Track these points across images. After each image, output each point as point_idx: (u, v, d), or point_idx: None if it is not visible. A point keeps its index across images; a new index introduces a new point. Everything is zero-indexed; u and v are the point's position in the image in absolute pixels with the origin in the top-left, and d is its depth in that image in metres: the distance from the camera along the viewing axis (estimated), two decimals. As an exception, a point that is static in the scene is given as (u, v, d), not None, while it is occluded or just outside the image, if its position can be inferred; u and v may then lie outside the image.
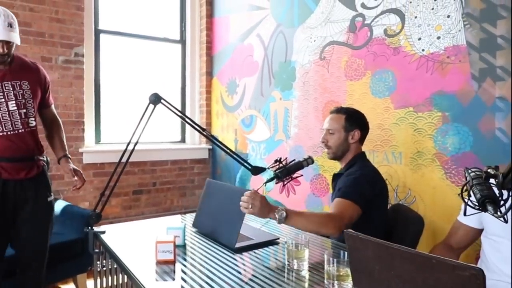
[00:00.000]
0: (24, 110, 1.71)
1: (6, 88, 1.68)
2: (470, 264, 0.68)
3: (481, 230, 1.34)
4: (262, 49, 3.02)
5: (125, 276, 1.26)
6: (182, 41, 3.73)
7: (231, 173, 3.39)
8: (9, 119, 1.66)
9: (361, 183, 1.53)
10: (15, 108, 1.68)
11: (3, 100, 1.65)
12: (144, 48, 3.52)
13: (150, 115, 1.62)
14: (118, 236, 1.56)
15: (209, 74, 3.69)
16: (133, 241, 1.51)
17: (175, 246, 1.26)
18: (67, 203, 2.59)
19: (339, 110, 1.73)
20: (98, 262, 1.53)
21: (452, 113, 1.75)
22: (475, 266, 0.67)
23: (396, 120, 1.99)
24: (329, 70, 2.41)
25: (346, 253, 1.03)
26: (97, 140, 3.20)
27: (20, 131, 1.69)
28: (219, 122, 3.59)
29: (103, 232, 1.52)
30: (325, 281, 1.05)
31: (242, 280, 1.12)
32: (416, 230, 1.58)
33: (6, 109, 1.66)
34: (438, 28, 1.81)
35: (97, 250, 1.48)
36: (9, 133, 1.66)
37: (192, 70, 3.74)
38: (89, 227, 1.51)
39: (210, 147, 3.66)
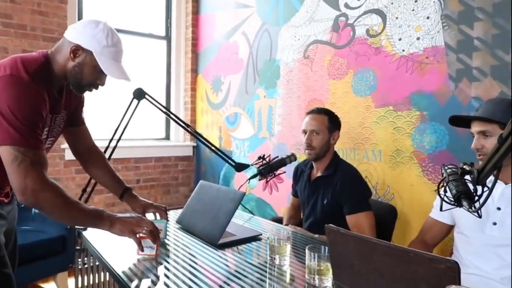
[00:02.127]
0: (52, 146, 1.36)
1: (55, 122, 1.27)
2: (446, 257, 0.71)
3: (453, 226, 1.39)
4: (247, 47, 3.02)
5: (107, 274, 1.26)
6: (168, 37, 3.71)
7: (215, 171, 3.39)
8: None
9: (362, 187, 1.66)
10: (50, 145, 1.33)
11: (45, 136, 1.23)
12: (128, 44, 3.47)
13: (134, 110, 1.62)
14: (100, 233, 1.55)
15: (194, 71, 3.68)
16: (115, 238, 1.50)
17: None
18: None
19: (320, 111, 1.76)
20: (80, 260, 1.52)
21: (430, 112, 1.80)
22: (451, 259, 0.70)
23: (377, 118, 2.03)
24: (312, 69, 2.44)
25: (327, 248, 1.06)
26: (80, 136, 3.15)
27: None
28: (204, 119, 3.59)
29: (85, 229, 1.51)
30: (306, 275, 1.08)
31: (225, 276, 1.13)
32: (390, 218, 1.73)
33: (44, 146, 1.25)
34: (418, 29, 1.85)
35: (78, 248, 1.47)
36: None
37: (177, 67, 3.72)
38: (71, 224, 1.50)
39: (195, 144, 3.65)
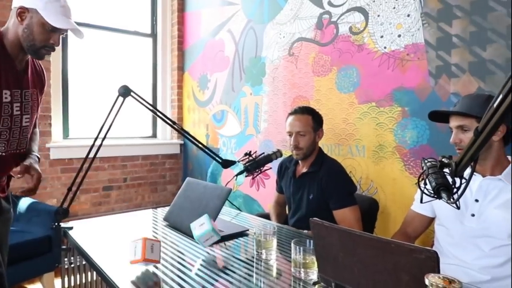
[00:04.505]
0: (31, 125, 1.36)
1: (26, 98, 1.29)
2: (426, 247, 0.74)
3: (433, 218, 1.44)
4: (233, 44, 3.03)
5: (94, 273, 1.26)
6: (153, 35, 3.68)
7: (203, 168, 3.40)
8: (17, 137, 1.29)
9: (347, 182, 1.69)
10: (28, 124, 1.32)
11: (19, 113, 1.26)
12: (114, 41, 3.44)
13: (120, 108, 1.61)
14: (86, 232, 1.55)
15: (181, 69, 3.67)
16: (102, 236, 1.51)
17: (160, 247, 1.18)
18: (33, 200, 2.51)
19: (304, 111, 1.77)
20: (66, 259, 1.52)
21: (411, 108, 1.85)
22: (430, 249, 0.73)
23: (360, 114, 2.07)
24: (297, 66, 2.46)
25: (311, 241, 1.08)
26: (65, 135, 3.11)
27: (22, 150, 1.34)
28: (191, 117, 3.58)
29: (71, 228, 1.50)
30: (292, 269, 1.10)
31: (213, 272, 1.15)
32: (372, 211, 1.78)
33: (19, 125, 1.27)
34: (399, 26, 1.89)
35: (64, 247, 1.47)
36: (8, 152, 1.28)
37: (163, 65, 3.70)
38: (56, 223, 1.48)
39: (182, 142, 3.65)
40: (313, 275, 1.05)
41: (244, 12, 2.92)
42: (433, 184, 0.93)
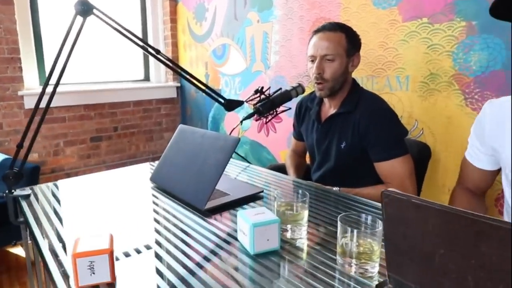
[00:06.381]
0: None
1: None
2: None
3: (499, 170, 1.02)
4: (233, -41, 2.46)
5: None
6: (138, -42, 3.08)
7: (203, 113, 2.99)
8: None
9: (396, 125, 1.25)
10: None
11: None
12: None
13: (80, 30, 1.19)
14: (52, 197, 1.18)
15: (173, -2, 3.11)
16: (69, 204, 1.14)
17: (113, 259, 0.67)
18: (6, 156, 2.15)
19: (335, 27, 1.28)
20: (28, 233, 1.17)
21: (481, 22, 1.36)
22: None
23: (405, 36, 1.59)
24: (317, -22, 1.93)
25: (369, 217, 0.70)
26: (42, 80, 2.67)
27: None
28: (187, 55, 3.09)
29: (28, 196, 1.14)
30: (338, 258, 0.72)
31: (215, 245, 0.78)
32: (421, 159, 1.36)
33: None
34: None
35: (22, 219, 1.11)
36: None
37: (152, -5, 3.14)
38: (8, 191, 1.13)
39: (178, 84, 3.20)
40: (374, 269, 0.67)
41: None
42: None
